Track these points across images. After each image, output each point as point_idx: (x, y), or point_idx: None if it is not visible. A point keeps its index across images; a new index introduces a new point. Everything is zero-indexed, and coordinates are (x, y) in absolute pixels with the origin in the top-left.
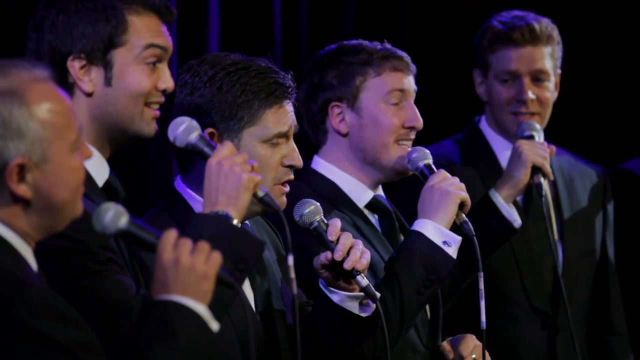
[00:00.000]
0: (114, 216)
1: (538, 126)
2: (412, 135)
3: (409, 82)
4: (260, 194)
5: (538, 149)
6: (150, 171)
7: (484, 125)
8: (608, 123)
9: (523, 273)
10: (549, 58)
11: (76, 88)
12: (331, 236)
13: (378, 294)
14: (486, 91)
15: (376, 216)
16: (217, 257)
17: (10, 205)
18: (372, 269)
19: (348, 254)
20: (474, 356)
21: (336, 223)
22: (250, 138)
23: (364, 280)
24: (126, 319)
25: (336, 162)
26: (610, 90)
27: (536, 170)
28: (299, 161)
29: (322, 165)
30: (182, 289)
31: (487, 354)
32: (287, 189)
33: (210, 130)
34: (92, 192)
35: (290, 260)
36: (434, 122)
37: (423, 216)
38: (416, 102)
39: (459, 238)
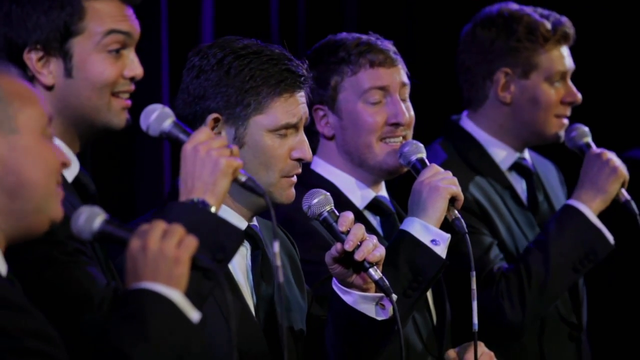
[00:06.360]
0: (88, 218)
1: (589, 132)
2: (401, 132)
3: (392, 77)
4: (242, 178)
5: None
6: (140, 176)
7: (468, 124)
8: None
9: None
10: None
11: (36, 81)
12: (342, 227)
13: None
14: (518, 92)
15: (378, 218)
16: (191, 241)
17: None
18: None
19: (360, 245)
20: None
21: (348, 214)
22: (257, 127)
23: (377, 273)
24: (97, 311)
25: (332, 163)
26: (610, 84)
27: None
28: (308, 154)
29: (320, 166)
30: (152, 275)
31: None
32: (294, 180)
33: (214, 115)
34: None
35: (276, 247)
36: (433, 119)
37: (412, 214)
38: (419, 97)
39: (448, 235)
